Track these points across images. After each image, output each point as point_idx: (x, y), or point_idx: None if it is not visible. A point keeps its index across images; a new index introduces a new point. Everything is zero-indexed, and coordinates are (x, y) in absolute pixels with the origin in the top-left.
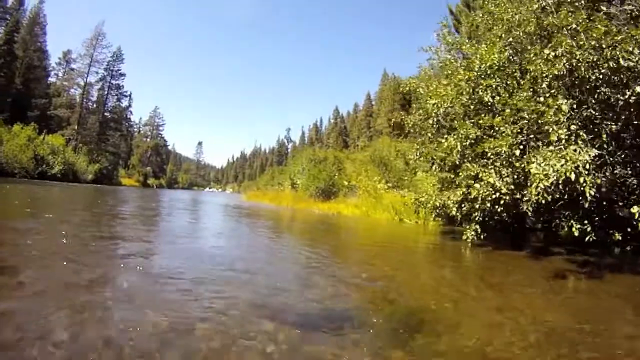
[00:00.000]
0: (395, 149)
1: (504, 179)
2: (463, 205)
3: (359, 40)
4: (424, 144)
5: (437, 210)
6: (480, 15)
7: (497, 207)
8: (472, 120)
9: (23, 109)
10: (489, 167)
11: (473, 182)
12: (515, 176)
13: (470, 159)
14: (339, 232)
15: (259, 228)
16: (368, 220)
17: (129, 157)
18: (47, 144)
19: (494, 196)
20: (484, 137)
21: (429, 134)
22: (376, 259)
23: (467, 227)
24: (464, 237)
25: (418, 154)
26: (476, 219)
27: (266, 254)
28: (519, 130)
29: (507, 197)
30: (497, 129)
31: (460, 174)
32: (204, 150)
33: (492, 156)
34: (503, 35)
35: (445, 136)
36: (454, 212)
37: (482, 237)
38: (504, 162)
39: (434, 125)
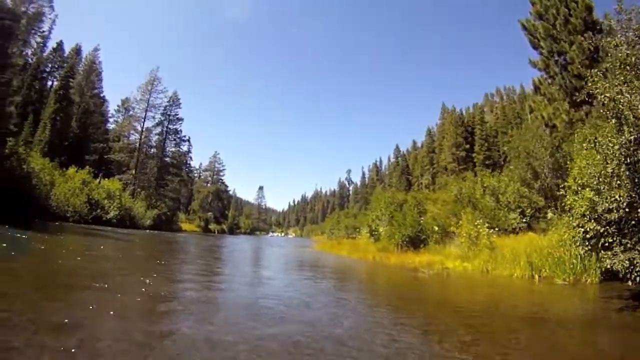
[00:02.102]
0: (482, 184)
1: None
2: None
3: (414, 73)
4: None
5: None
6: None
7: None
8: None
9: (80, 152)
10: None
11: None
12: None
13: None
14: (487, 310)
15: (363, 301)
16: (490, 278)
17: (189, 203)
18: (102, 188)
19: None
20: None
21: None
22: None
23: None
24: None
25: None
26: None
27: None
28: None
29: None
30: None
31: None
32: (265, 194)
33: None
34: None
35: None
36: None
37: None
38: None
39: None
